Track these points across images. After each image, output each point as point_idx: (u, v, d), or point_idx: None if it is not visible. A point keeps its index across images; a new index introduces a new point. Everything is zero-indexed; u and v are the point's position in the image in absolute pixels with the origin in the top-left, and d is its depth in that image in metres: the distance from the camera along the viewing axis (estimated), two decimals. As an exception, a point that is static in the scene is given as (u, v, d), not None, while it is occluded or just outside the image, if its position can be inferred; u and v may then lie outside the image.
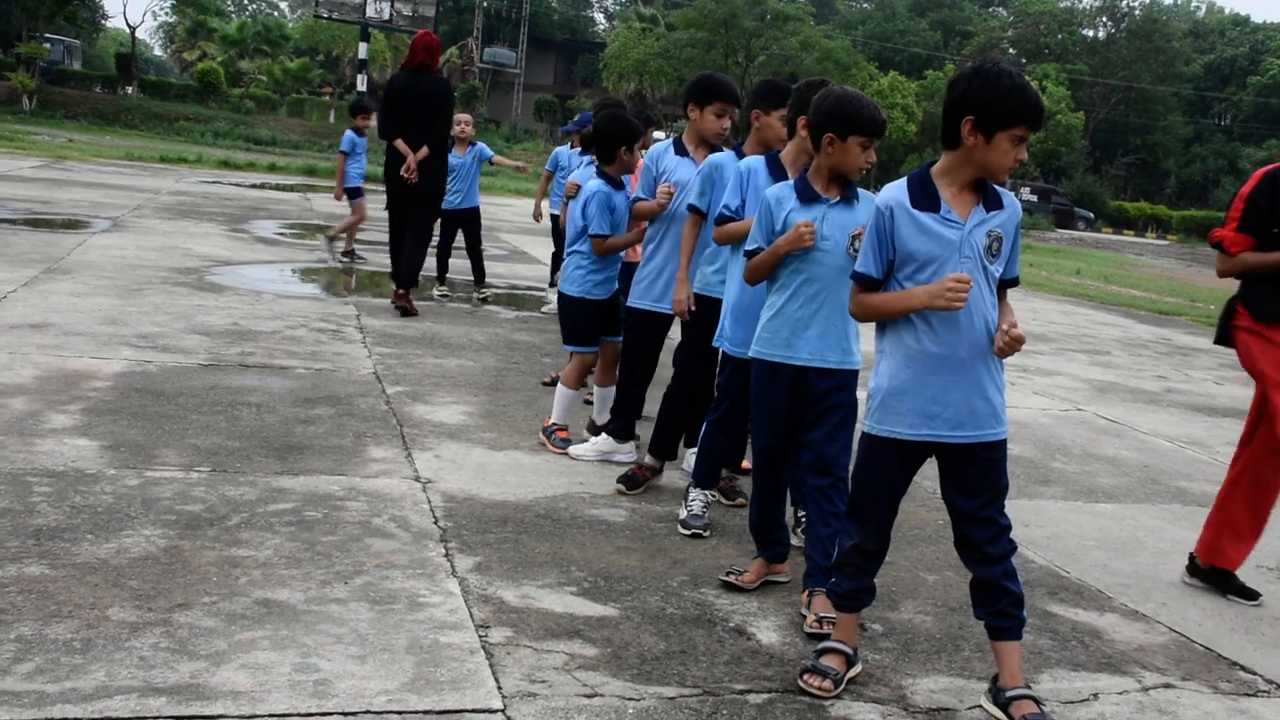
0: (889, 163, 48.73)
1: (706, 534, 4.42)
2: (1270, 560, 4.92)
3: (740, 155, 4.60)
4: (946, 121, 3.05)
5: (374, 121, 10.00)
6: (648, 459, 5.03)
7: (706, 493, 4.52)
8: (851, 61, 47.05)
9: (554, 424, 5.52)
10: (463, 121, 10.30)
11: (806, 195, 3.70)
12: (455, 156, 10.03)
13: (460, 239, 10.27)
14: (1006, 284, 3.16)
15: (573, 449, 5.34)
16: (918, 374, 3.09)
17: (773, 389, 3.76)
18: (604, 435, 5.36)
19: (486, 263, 10.76)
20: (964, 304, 2.96)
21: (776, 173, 4.12)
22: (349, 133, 11.88)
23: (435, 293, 10.26)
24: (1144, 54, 63.20)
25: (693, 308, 4.69)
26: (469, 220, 10.20)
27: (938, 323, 3.04)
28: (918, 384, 3.09)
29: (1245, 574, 4.69)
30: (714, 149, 4.94)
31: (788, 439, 3.81)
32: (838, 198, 3.67)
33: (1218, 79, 67.68)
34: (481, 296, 10.25)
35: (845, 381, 3.73)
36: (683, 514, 4.50)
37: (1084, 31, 67.30)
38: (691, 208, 4.74)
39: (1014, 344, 3.02)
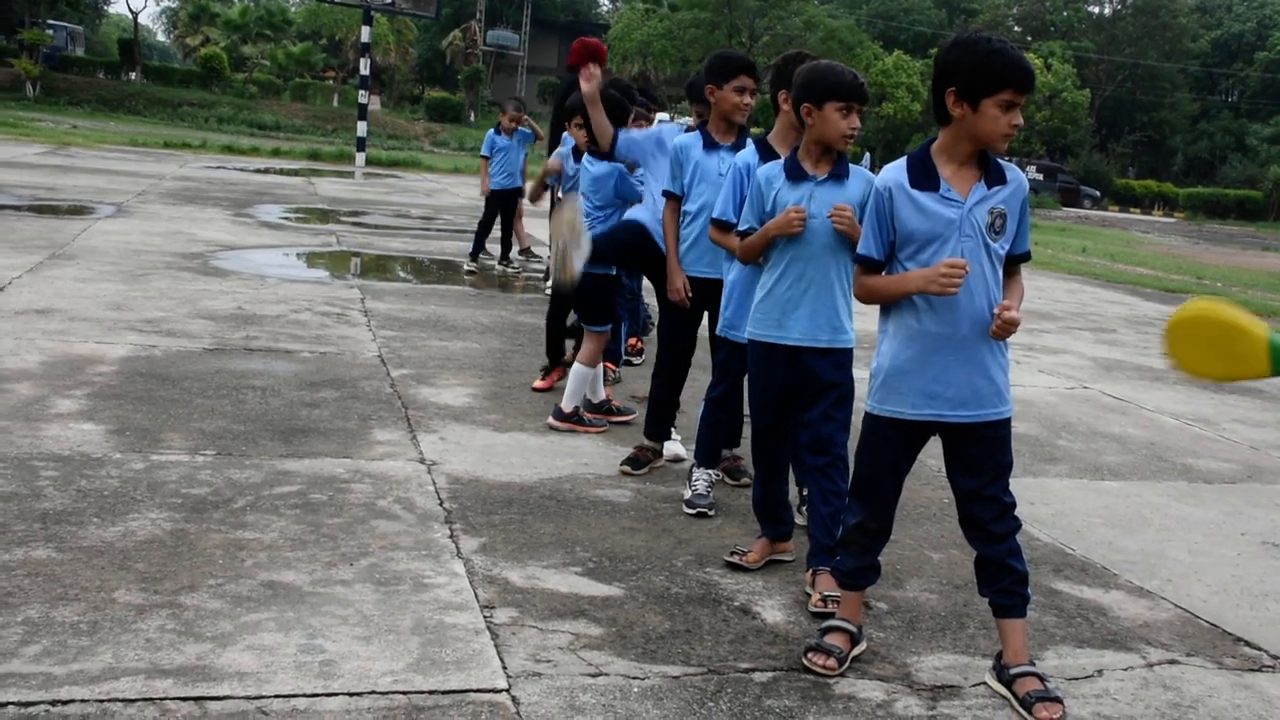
0: (894, 142, 48.54)
1: (711, 513, 4.42)
2: (1276, 537, 4.92)
3: (707, 136, 4.61)
4: (936, 97, 3.04)
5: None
6: (645, 440, 5.04)
7: (710, 472, 4.53)
8: (855, 40, 46.83)
9: (576, 408, 5.52)
10: (510, 115, 11.43)
11: (794, 173, 3.69)
12: (505, 140, 11.14)
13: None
14: (1017, 260, 3.14)
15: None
16: (919, 354, 3.07)
17: (767, 370, 3.76)
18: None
19: (492, 245, 11.51)
20: (958, 289, 2.94)
21: (768, 157, 4.08)
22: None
23: (465, 268, 11.09)
24: (1150, 30, 62.79)
25: (689, 294, 4.68)
26: (511, 199, 11.21)
27: (939, 302, 3.02)
28: (919, 364, 3.07)
29: (1249, 549, 4.70)
30: (741, 130, 4.80)
31: (785, 419, 3.82)
32: (826, 175, 3.66)
33: (1225, 55, 67.23)
34: (504, 268, 11.23)
35: (839, 360, 3.72)
36: (687, 494, 4.51)
37: (1089, 8, 66.85)
38: (666, 193, 4.73)
39: (1007, 327, 2.99)
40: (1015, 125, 2.95)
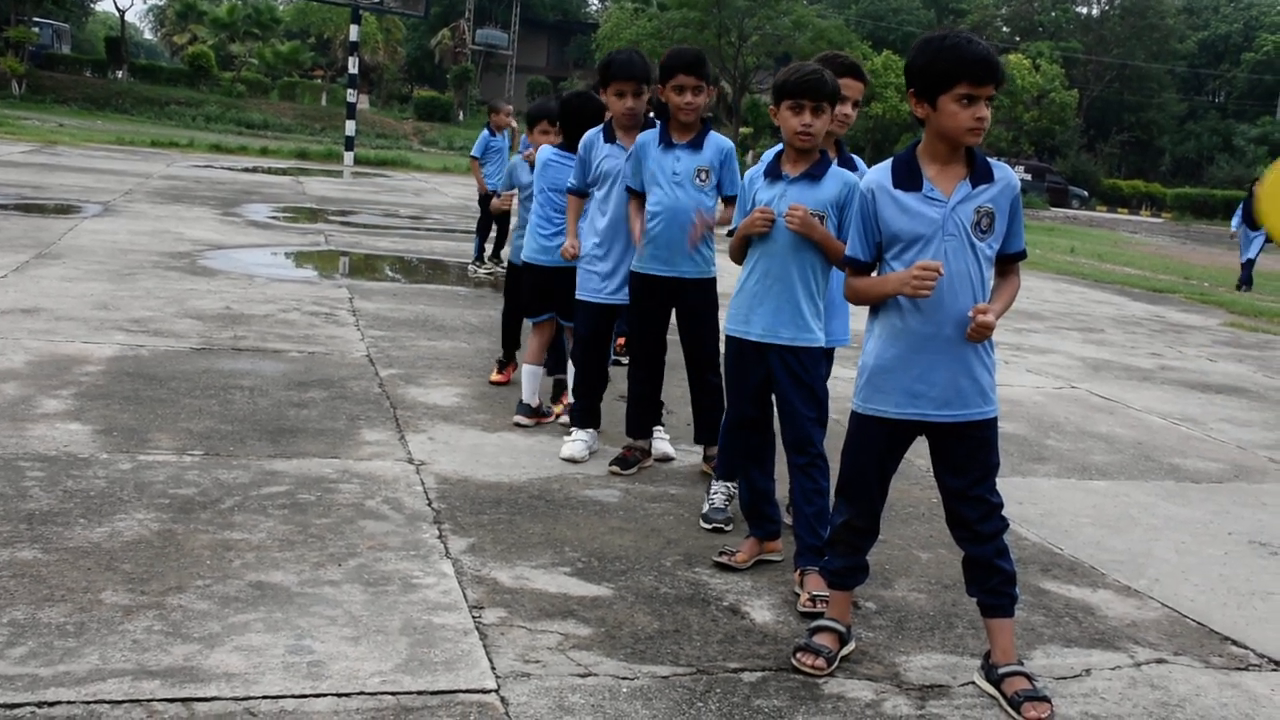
0: (883, 142, 48.57)
1: (728, 528, 4.29)
2: (1263, 536, 4.94)
3: (664, 134, 4.63)
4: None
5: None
6: (631, 440, 5.02)
7: (729, 485, 4.39)
8: (844, 41, 46.80)
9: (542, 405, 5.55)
10: (505, 112, 11.62)
11: (770, 173, 3.76)
12: (499, 140, 11.25)
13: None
14: (1011, 258, 3.13)
15: (566, 450, 5.12)
16: (903, 353, 3.08)
17: (740, 363, 3.85)
18: (587, 430, 5.25)
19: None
20: (931, 291, 2.95)
21: None
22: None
23: (481, 271, 11.11)
24: (1138, 31, 62.95)
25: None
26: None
27: (923, 302, 3.02)
28: (903, 363, 3.08)
29: (1235, 548, 4.71)
30: (704, 123, 4.77)
31: (761, 412, 3.90)
32: (798, 174, 3.69)
33: (1212, 56, 67.45)
34: (476, 268, 11.20)
35: (805, 358, 3.76)
36: (705, 508, 4.40)
37: (1078, 9, 67.05)
38: (627, 188, 4.76)
39: (980, 330, 2.98)
40: (980, 118, 2.94)
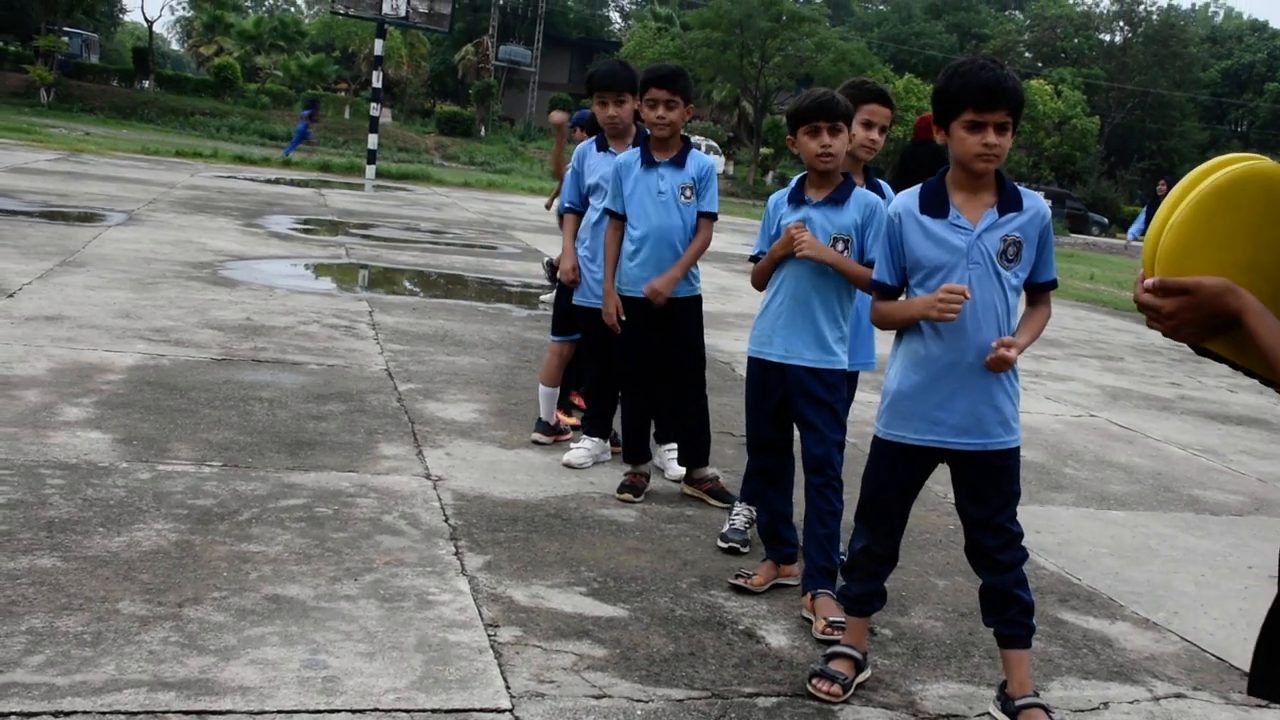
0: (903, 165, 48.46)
1: (745, 550, 4.28)
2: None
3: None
4: None
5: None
6: (633, 467, 4.96)
7: (751, 508, 4.36)
8: (866, 64, 46.86)
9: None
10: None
11: (794, 198, 3.79)
12: None
13: None
14: (1042, 288, 3.13)
15: (568, 456, 5.19)
16: (925, 379, 3.07)
17: (762, 384, 3.86)
18: (594, 439, 5.28)
19: (500, 260, 11.55)
20: (956, 315, 2.94)
21: None
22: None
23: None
24: (1161, 59, 62.88)
25: (623, 317, 4.72)
26: None
27: (945, 329, 3.02)
28: (924, 389, 3.07)
29: (1255, 582, 4.67)
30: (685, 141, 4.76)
31: (780, 434, 3.90)
32: (821, 199, 3.71)
33: (1235, 85, 67.27)
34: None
35: (827, 380, 3.77)
36: (724, 528, 4.38)
37: (1101, 36, 66.97)
38: (607, 211, 4.77)
39: (998, 364, 2.98)
40: (988, 144, 2.92)
